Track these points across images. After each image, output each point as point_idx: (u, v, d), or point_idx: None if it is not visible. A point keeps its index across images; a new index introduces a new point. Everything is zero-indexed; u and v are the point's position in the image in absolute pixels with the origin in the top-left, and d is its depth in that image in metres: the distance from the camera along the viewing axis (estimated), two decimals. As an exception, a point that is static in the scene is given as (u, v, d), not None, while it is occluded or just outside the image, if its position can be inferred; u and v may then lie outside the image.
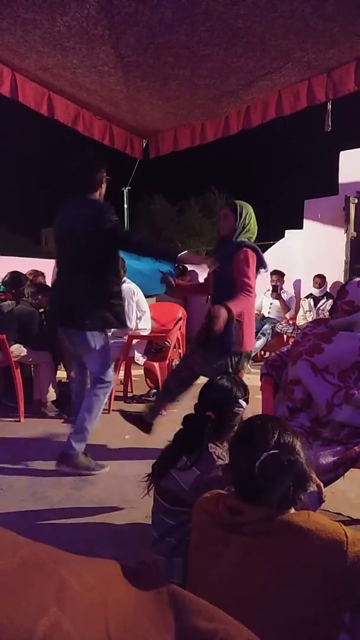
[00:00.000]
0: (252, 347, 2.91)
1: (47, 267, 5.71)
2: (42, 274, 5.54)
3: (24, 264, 5.83)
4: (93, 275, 2.91)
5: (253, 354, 6.25)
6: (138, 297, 4.58)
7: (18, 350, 4.12)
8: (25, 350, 4.17)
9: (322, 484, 1.50)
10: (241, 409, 1.84)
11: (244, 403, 1.85)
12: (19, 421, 3.98)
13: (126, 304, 4.51)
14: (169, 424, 3.79)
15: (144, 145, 6.21)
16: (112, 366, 3.18)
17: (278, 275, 6.76)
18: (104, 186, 3.06)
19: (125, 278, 4.65)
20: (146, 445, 3.30)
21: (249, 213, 2.88)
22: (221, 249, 2.92)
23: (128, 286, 4.56)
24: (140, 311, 4.61)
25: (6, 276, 4.53)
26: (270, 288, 6.73)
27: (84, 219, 2.88)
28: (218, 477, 1.61)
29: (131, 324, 4.55)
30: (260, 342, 6.31)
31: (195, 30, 3.57)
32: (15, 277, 4.50)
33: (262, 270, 2.87)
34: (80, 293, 2.91)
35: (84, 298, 2.90)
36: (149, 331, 4.73)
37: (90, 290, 2.91)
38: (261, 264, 2.84)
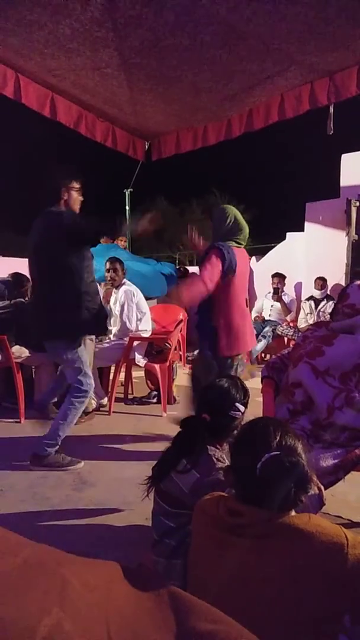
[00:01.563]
0: (231, 352, 2.84)
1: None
2: None
3: (26, 265, 5.83)
4: (53, 284, 2.93)
5: (254, 356, 6.28)
6: (138, 299, 4.58)
7: (19, 351, 4.12)
8: (26, 351, 4.17)
9: (322, 487, 1.50)
10: (238, 412, 1.82)
11: (241, 407, 1.83)
12: (20, 422, 3.98)
13: (126, 305, 4.51)
14: (169, 425, 3.80)
15: (146, 147, 6.22)
16: (89, 373, 3.14)
17: (279, 277, 6.77)
18: (70, 195, 3.03)
19: (125, 280, 4.65)
20: (146, 447, 3.31)
21: (225, 215, 2.88)
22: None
23: (128, 288, 4.56)
24: (141, 312, 4.61)
25: (8, 277, 4.54)
26: (272, 290, 6.73)
27: (39, 231, 2.95)
28: (218, 479, 1.61)
29: (131, 325, 4.55)
30: (261, 345, 6.31)
31: (199, 33, 3.58)
32: (16, 278, 4.51)
33: (231, 275, 2.78)
34: (43, 305, 2.98)
35: (47, 310, 2.95)
36: (150, 333, 4.73)
37: (52, 301, 2.93)
38: (228, 267, 2.75)
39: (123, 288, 4.56)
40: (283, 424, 1.19)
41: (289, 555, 1.00)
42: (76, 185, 3.06)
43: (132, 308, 4.55)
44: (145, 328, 4.64)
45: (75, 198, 3.07)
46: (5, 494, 2.70)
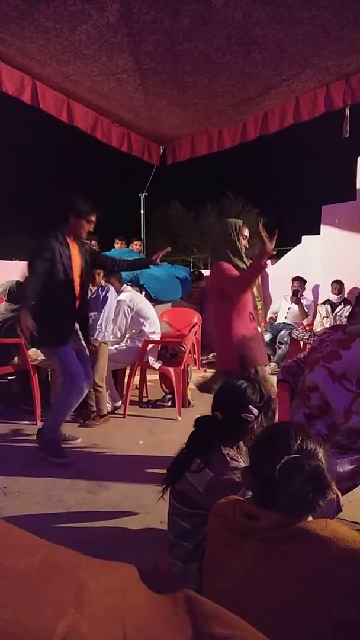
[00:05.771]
0: None
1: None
2: None
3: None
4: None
5: (277, 364, 6.25)
6: (138, 306, 4.54)
7: (35, 354, 4.16)
8: (42, 354, 4.20)
9: (339, 493, 1.48)
10: (251, 415, 1.78)
11: (255, 410, 1.79)
12: (35, 424, 4.00)
13: (121, 314, 4.47)
14: (184, 428, 3.79)
15: (161, 151, 6.25)
16: (76, 374, 3.35)
17: (299, 281, 6.75)
18: (82, 225, 3.36)
19: (124, 286, 4.64)
20: (160, 451, 3.31)
21: None
22: None
23: (128, 295, 4.53)
24: (144, 317, 4.56)
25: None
26: (290, 293, 6.71)
27: None
28: (233, 480, 1.60)
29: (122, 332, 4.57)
30: (281, 352, 6.31)
31: (214, 37, 3.59)
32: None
33: None
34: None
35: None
36: (159, 335, 4.71)
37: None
38: None
39: (121, 295, 4.53)
40: (304, 429, 1.18)
41: (305, 560, 0.99)
42: (93, 218, 3.41)
43: (126, 319, 4.51)
44: (153, 330, 4.60)
45: (86, 229, 3.41)
46: (21, 496, 2.72)
